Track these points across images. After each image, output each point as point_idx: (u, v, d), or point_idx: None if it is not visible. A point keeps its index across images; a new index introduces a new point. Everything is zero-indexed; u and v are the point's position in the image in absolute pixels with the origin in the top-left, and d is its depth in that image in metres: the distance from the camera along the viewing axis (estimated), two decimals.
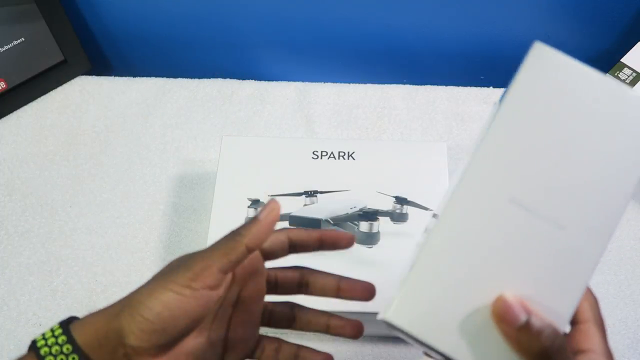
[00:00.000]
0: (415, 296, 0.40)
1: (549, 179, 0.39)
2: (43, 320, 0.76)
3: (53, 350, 0.42)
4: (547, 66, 0.43)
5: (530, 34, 0.96)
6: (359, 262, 0.70)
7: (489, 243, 0.39)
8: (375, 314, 0.68)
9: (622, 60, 0.80)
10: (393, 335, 0.74)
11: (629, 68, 0.80)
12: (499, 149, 0.40)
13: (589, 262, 0.40)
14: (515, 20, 0.93)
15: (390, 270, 0.70)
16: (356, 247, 0.72)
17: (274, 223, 0.43)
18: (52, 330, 0.43)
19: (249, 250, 0.42)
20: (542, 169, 0.39)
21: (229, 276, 0.43)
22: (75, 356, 0.41)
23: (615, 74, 0.79)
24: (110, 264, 0.80)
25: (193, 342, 0.44)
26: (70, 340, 0.42)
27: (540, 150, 0.40)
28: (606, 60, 0.83)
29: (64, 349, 0.41)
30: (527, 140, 0.40)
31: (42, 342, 0.43)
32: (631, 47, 0.82)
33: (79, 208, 0.85)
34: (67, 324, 0.44)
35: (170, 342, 0.41)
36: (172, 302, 0.40)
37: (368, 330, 0.73)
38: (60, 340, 0.42)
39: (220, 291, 0.43)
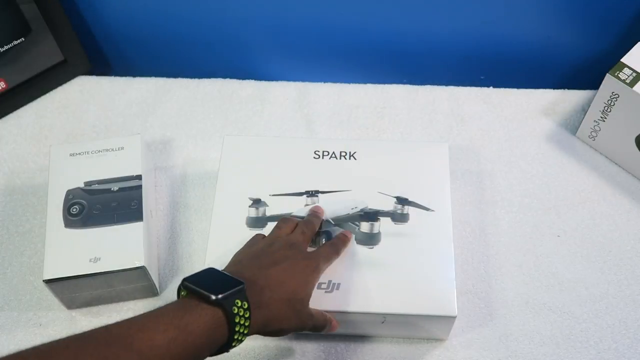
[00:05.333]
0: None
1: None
2: (44, 321, 0.76)
3: (241, 322, 0.55)
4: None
5: (530, 34, 0.96)
6: (359, 262, 0.70)
7: None
8: (377, 314, 0.68)
9: (622, 60, 0.80)
10: (393, 336, 0.74)
11: (629, 68, 0.80)
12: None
13: None
14: (515, 21, 0.93)
15: (391, 270, 0.70)
16: (357, 247, 0.72)
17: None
18: (241, 306, 0.55)
19: None
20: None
21: None
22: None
23: (615, 74, 0.79)
24: None
25: None
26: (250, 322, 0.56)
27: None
28: (606, 60, 0.83)
29: (246, 324, 0.56)
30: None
31: (235, 310, 0.55)
32: (631, 47, 0.82)
33: None
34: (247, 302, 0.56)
35: None
36: None
37: (368, 330, 0.73)
38: (246, 318, 0.56)
39: None
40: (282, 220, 0.71)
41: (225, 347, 0.56)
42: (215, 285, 0.56)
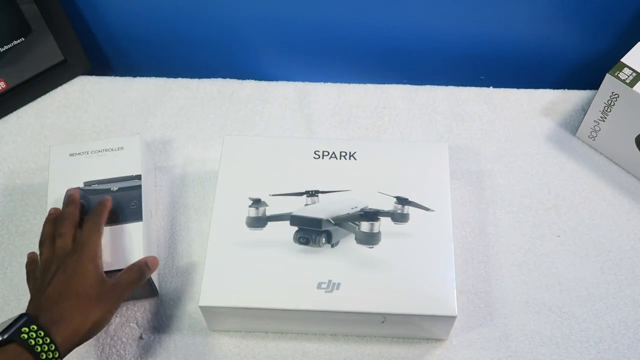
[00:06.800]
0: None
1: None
2: None
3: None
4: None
5: (530, 34, 0.96)
6: (359, 262, 0.70)
7: None
8: (377, 314, 0.68)
9: (622, 60, 0.80)
10: (393, 335, 0.74)
11: (629, 68, 0.80)
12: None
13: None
14: (515, 21, 0.93)
15: (391, 270, 0.70)
16: (357, 247, 0.72)
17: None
18: (31, 330, 0.60)
19: None
20: None
21: None
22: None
23: (615, 74, 0.79)
24: None
25: None
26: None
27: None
28: (606, 60, 0.83)
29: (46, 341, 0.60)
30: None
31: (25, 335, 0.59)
32: (631, 47, 0.82)
33: None
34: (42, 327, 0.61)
35: None
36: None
37: (368, 330, 0.73)
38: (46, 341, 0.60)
39: None
40: (40, 244, 0.72)
41: None
42: (5, 327, 0.60)
